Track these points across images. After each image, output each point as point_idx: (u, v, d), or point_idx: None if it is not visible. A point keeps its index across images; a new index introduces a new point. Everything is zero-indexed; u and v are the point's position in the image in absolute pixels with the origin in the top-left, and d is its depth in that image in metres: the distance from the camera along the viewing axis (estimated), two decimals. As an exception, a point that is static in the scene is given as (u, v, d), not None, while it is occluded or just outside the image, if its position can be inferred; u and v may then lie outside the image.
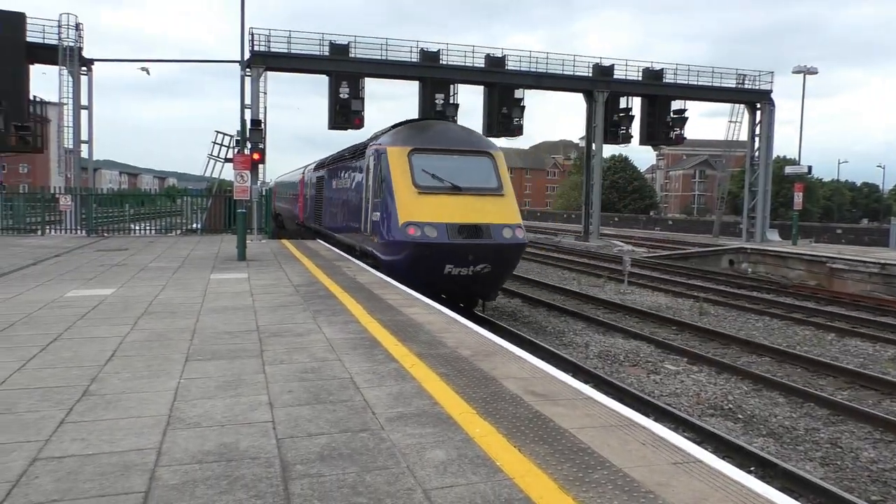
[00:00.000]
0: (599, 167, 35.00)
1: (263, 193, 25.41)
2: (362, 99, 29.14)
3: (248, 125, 25.66)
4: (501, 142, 32.62)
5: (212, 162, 27.58)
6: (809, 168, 30.93)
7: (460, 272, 9.91)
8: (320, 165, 20.66)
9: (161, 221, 25.39)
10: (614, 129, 34.46)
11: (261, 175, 28.65)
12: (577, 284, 19.95)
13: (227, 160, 27.18)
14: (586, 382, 8.84)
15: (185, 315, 8.08)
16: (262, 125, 27.05)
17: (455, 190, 10.17)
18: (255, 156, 25.57)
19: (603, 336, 12.59)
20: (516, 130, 32.21)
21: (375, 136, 12.77)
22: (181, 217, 26.28)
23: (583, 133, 37.97)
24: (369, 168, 11.77)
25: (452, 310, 7.92)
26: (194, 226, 24.76)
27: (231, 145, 27.13)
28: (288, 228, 30.03)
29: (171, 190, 56.92)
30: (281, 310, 8.50)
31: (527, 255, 28.41)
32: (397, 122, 12.73)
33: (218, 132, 27.76)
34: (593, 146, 34.71)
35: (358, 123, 28.87)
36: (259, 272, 12.86)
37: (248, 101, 26.04)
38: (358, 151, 13.90)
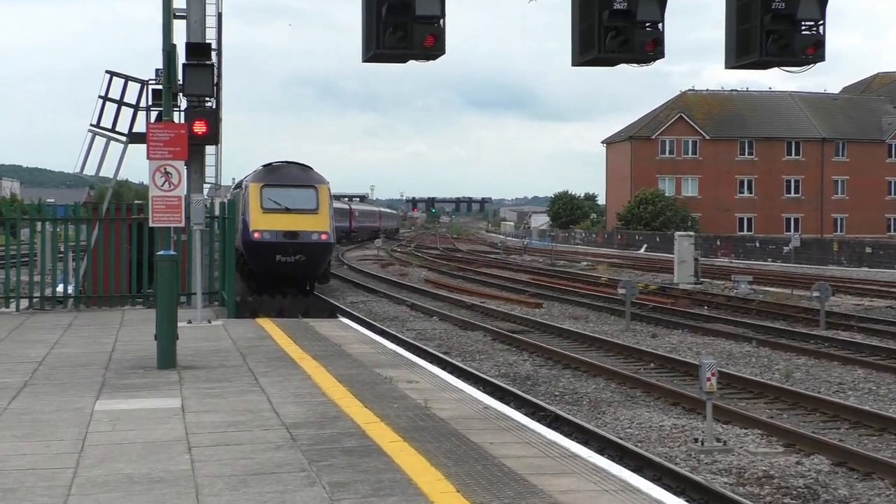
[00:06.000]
0: None
1: (217, 212, 25.84)
2: (441, -9, 29.45)
3: (183, 58, 26.40)
4: (775, 79, 32.49)
5: (99, 142, 28.38)
6: None
7: (287, 260, 34.55)
8: (237, 186, 48.89)
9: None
10: None
11: (212, 170, 29.36)
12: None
13: (131, 138, 27.93)
14: None
15: (34, 497, 8.21)
16: (215, 56, 27.87)
17: (286, 210, 35.51)
18: (199, 126, 26.18)
19: None
20: (806, 51, 31.51)
21: (249, 175, 40.37)
22: (30, 268, 27.12)
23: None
24: (243, 196, 37.07)
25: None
26: (59, 288, 25.57)
27: (144, 104, 27.92)
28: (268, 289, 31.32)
29: (6, 206, 59.09)
30: (256, 483, 8.58)
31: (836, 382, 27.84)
32: (264, 163, 39.67)
33: (112, 74, 28.61)
34: None
35: (432, 43, 28.70)
36: (207, 396, 12.93)
37: (180, 2, 26.85)
38: (242, 184, 41.92)
